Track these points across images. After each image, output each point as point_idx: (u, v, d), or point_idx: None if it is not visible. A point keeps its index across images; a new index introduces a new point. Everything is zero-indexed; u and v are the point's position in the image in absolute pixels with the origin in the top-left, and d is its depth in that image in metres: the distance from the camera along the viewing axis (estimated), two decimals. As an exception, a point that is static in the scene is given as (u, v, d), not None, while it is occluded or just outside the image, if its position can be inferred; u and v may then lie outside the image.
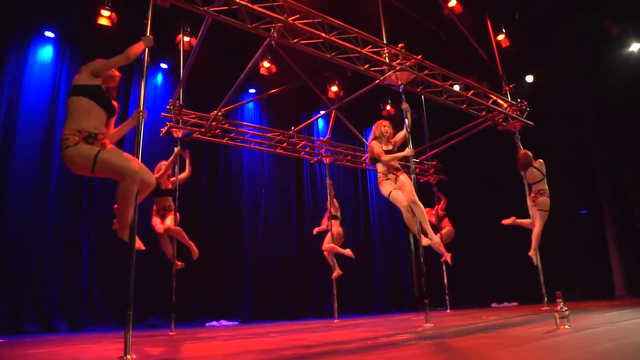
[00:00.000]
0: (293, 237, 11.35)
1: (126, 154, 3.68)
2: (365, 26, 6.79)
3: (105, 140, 3.63)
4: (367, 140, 12.55)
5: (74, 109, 3.59)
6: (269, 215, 11.07)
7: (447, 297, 10.74)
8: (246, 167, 11.01)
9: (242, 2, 5.41)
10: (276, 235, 11.03)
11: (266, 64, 9.86)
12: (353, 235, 12.50)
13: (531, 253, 7.72)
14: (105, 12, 8.17)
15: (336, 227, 9.01)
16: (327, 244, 8.85)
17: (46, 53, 8.68)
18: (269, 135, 9.79)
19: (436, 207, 10.91)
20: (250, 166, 11.11)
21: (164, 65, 10.01)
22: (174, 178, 7.25)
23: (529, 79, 11.51)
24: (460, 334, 3.74)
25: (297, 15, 5.89)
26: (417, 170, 11.10)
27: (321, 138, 10.73)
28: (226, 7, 5.45)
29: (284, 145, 9.84)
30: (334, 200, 9.32)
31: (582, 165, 11.41)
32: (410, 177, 6.05)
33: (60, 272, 7.92)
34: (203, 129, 8.37)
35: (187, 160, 7.53)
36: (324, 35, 6.12)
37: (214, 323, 8.96)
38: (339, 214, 9.31)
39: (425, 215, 5.90)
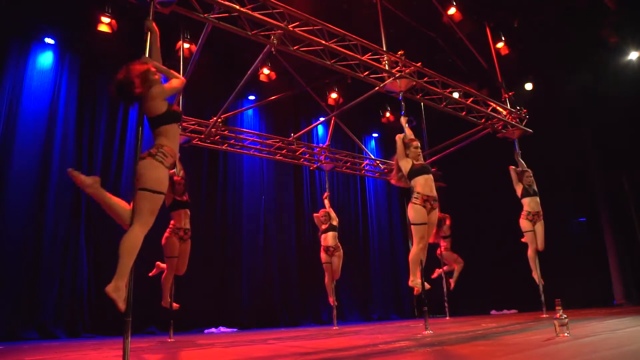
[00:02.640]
0: (292, 244, 11.34)
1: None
2: (365, 33, 6.82)
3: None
4: (366, 147, 12.62)
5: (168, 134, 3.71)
6: (269, 222, 11.06)
7: (446, 305, 10.72)
8: (246, 173, 11.01)
9: (242, 9, 5.43)
10: (275, 242, 11.01)
11: (266, 70, 9.88)
12: (352, 243, 12.49)
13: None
14: (105, 19, 8.19)
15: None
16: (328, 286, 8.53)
17: (46, 60, 8.70)
18: (268, 141, 9.80)
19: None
20: (250, 173, 11.11)
21: (164, 72, 10.03)
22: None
23: (528, 86, 11.54)
24: (459, 342, 3.73)
25: (297, 23, 5.91)
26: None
27: (321, 145, 10.74)
28: (226, 14, 5.47)
29: (283, 151, 9.84)
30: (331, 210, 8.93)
31: (580, 173, 11.42)
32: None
33: (59, 279, 7.89)
34: (202, 136, 8.38)
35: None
36: (323, 42, 6.14)
37: (213, 330, 8.93)
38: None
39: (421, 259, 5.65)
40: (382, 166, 11.58)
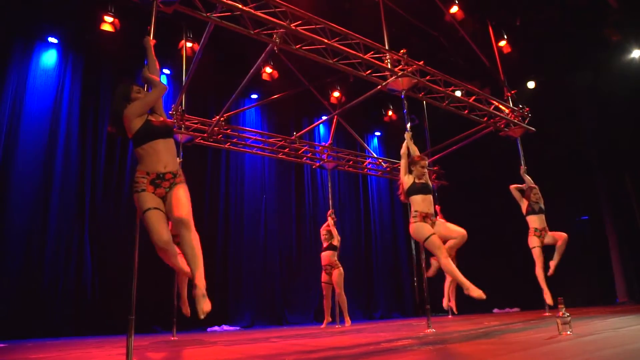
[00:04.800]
0: (293, 242, 11.35)
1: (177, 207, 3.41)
2: (368, 32, 6.81)
3: (177, 180, 3.50)
4: (368, 146, 12.63)
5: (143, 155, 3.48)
6: (270, 221, 11.06)
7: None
8: (247, 172, 11.02)
9: (245, 8, 5.43)
10: (277, 241, 11.02)
11: (268, 69, 9.90)
12: (354, 241, 12.50)
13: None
14: (108, 18, 8.23)
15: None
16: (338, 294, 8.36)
17: (49, 59, 8.72)
18: (271, 140, 9.81)
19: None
20: (252, 172, 11.12)
21: (166, 71, 10.03)
22: None
23: (531, 85, 11.52)
24: (462, 340, 3.74)
25: (300, 22, 5.91)
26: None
27: (323, 143, 10.74)
28: (229, 13, 5.48)
29: (286, 150, 9.85)
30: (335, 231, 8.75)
31: (583, 171, 11.41)
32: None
33: (63, 277, 7.91)
34: (205, 134, 8.39)
35: None
36: (326, 41, 6.15)
37: (216, 328, 8.95)
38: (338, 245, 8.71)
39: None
40: (384, 165, 11.58)
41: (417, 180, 5.59)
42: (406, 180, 5.66)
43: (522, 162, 8.38)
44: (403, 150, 5.86)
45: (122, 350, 3.08)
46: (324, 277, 8.44)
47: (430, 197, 5.55)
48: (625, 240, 10.71)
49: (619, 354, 2.44)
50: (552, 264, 7.50)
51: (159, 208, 3.40)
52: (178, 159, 7.15)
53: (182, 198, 3.45)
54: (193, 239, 3.43)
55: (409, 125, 6.30)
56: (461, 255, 10.32)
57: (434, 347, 3.24)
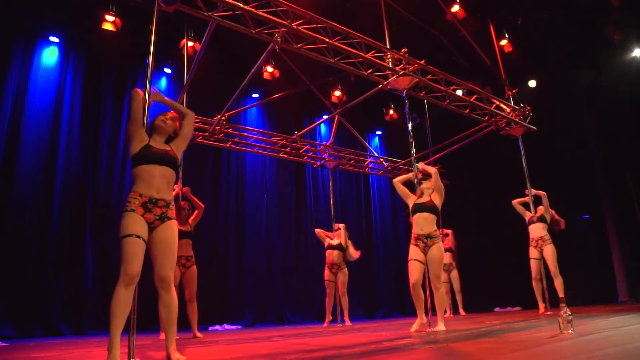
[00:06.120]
0: (295, 242, 11.35)
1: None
2: (369, 31, 6.81)
3: (169, 213, 3.32)
4: (369, 145, 12.62)
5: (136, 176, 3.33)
6: (271, 220, 11.07)
7: (450, 302, 10.71)
8: (248, 171, 11.03)
9: (246, 7, 5.43)
10: (278, 240, 11.03)
11: (269, 68, 9.90)
12: (356, 240, 12.49)
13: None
14: (109, 17, 8.23)
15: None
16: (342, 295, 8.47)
17: (51, 58, 8.72)
18: (272, 139, 9.82)
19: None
20: (253, 171, 11.12)
21: (167, 70, 10.04)
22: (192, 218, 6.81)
23: (532, 84, 11.50)
24: (463, 339, 3.74)
25: (301, 21, 5.91)
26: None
27: (324, 142, 10.75)
28: (230, 13, 5.48)
29: (287, 149, 9.85)
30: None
31: (584, 170, 11.40)
32: (442, 252, 5.46)
33: (64, 276, 7.91)
34: (207, 134, 8.39)
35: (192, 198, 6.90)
36: (327, 40, 6.14)
37: (217, 327, 8.95)
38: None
39: (444, 301, 5.48)
40: (385, 164, 11.57)
41: (416, 200, 5.68)
42: (409, 203, 5.76)
43: (528, 185, 8.39)
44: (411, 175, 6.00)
45: (123, 350, 3.08)
46: (330, 276, 8.41)
47: (424, 214, 5.49)
48: (627, 239, 10.70)
49: (620, 353, 2.44)
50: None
51: (141, 237, 3.21)
52: (180, 188, 6.97)
53: (172, 250, 3.33)
54: (173, 300, 3.43)
55: (413, 136, 6.31)
56: (462, 255, 10.42)
57: (435, 346, 3.24)
